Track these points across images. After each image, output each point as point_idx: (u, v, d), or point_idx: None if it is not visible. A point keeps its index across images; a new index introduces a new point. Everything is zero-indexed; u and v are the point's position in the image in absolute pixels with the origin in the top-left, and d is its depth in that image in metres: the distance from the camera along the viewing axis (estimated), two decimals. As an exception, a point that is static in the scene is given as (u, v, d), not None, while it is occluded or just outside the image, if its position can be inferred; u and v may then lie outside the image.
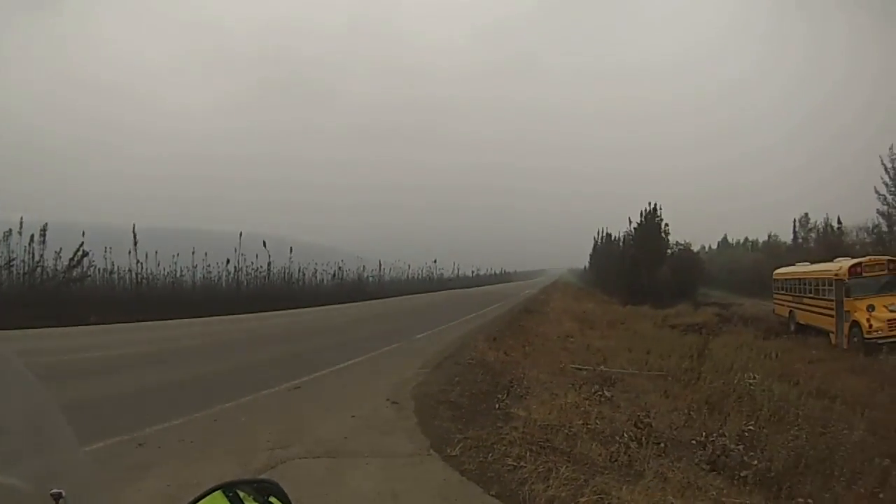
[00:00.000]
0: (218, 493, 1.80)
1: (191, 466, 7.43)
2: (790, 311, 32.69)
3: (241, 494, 1.82)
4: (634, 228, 62.12)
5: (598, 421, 10.18)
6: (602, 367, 16.18)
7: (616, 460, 8.15)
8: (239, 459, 7.85)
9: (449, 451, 8.20)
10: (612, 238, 76.13)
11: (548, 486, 6.68)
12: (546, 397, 11.42)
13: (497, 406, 10.66)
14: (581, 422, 9.80)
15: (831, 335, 27.36)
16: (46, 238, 28.47)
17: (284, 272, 44.21)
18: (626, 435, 9.21)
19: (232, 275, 39.40)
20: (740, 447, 9.52)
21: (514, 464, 7.53)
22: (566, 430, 9.19)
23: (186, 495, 5.46)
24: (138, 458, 7.70)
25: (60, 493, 1.60)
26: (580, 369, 15.81)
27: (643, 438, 9.21)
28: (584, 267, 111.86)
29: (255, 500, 1.84)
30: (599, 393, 12.31)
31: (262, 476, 7.09)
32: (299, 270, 46.54)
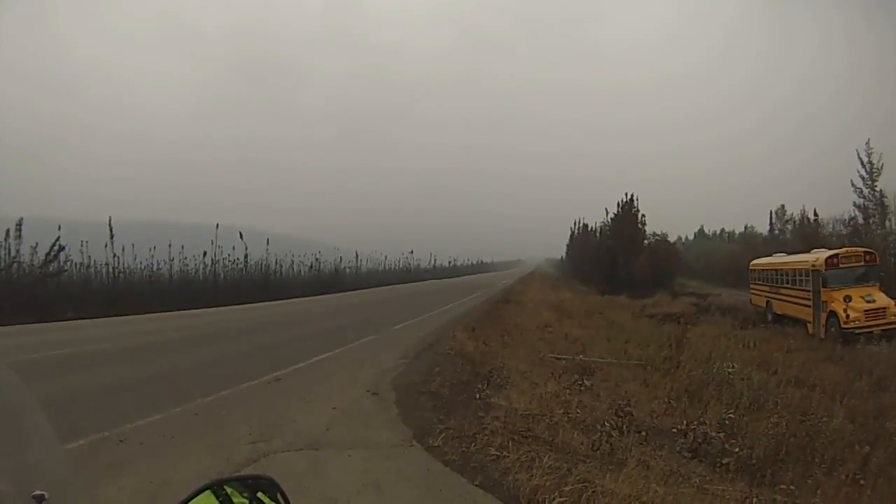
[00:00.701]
0: (208, 493, 1.81)
1: (173, 462, 7.37)
2: (767, 302, 33.12)
3: (229, 491, 1.84)
4: (611, 219, 62.44)
5: (578, 410, 10.21)
6: (581, 356, 16.22)
7: (598, 449, 8.18)
8: (221, 454, 7.79)
9: (431, 441, 8.19)
10: (589, 228, 76.49)
11: (531, 476, 6.69)
12: (526, 387, 11.49)
13: (478, 396, 10.67)
14: (562, 411, 9.82)
15: (808, 325, 27.85)
16: (22, 233, 28.09)
17: (261, 264, 43.95)
18: (607, 424, 9.24)
19: (209, 267, 39.09)
20: (721, 435, 9.63)
21: (497, 453, 7.53)
22: (547, 420, 9.23)
23: (168, 491, 5.40)
24: (119, 454, 7.61)
25: (43, 495, 1.63)
26: (559, 359, 15.89)
27: (624, 427, 9.30)
28: (561, 257, 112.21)
29: (244, 496, 1.87)
30: (579, 382, 12.34)
31: (247, 470, 7.10)
32: (276, 262, 46.21)
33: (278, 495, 1.96)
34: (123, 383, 12.00)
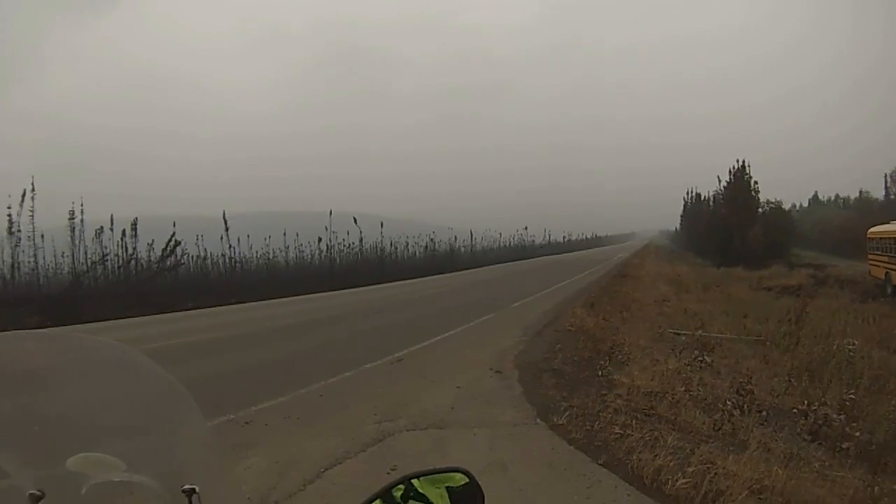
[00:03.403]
0: (399, 487, 1.78)
1: (298, 442, 7.61)
2: (886, 273, 30.94)
3: (418, 484, 1.81)
4: (724, 187, 60.82)
5: (699, 388, 10.13)
6: (700, 331, 16.01)
7: (720, 429, 8.10)
8: (346, 434, 7.96)
9: (555, 419, 8.25)
10: (702, 198, 74.37)
11: (655, 456, 6.66)
12: (647, 363, 11.39)
13: (600, 373, 10.73)
14: (683, 388, 9.77)
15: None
16: (138, 231, 29.49)
17: (376, 247, 44.57)
18: (728, 403, 9.18)
19: (324, 253, 39.98)
20: (841, 417, 9.27)
21: (621, 432, 7.53)
22: (669, 398, 9.17)
23: (294, 471, 5.71)
24: (245, 436, 7.90)
25: (193, 489, 1.64)
26: (679, 334, 15.70)
27: (745, 406, 9.15)
28: (675, 229, 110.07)
29: (437, 489, 1.83)
30: (700, 359, 12.20)
31: (372, 450, 7.36)
32: (391, 245, 46.85)
33: (470, 487, 1.85)
34: (247, 368, 12.45)
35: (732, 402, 9.17)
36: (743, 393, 9.56)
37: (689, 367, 11.46)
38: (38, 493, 1.53)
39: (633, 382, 9.81)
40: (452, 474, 1.87)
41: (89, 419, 1.68)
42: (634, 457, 6.78)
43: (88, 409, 1.69)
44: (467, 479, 1.85)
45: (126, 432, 1.70)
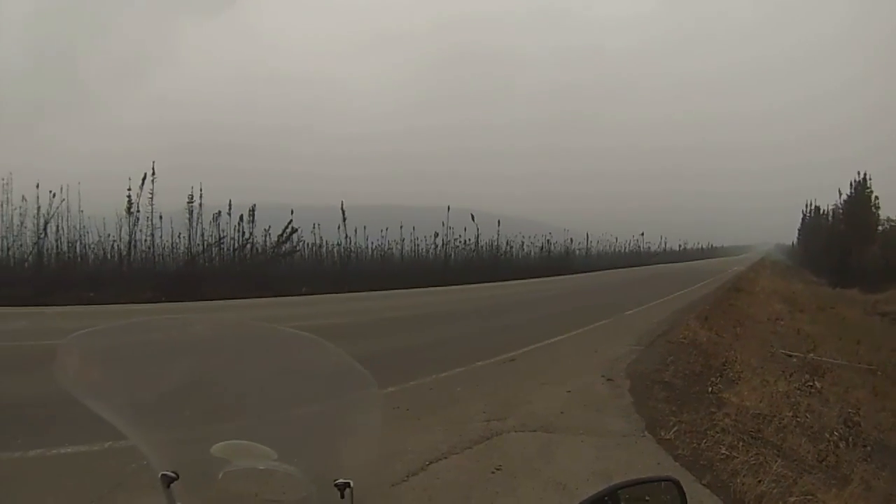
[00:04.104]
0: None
1: (405, 436, 7.62)
2: None
3: (624, 496, 1.81)
4: (843, 201, 58.20)
5: (807, 414, 10.00)
6: (812, 355, 15.70)
7: (823, 460, 8.02)
8: (454, 429, 8.09)
9: (663, 433, 8.20)
10: (821, 211, 71.07)
11: (759, 481, 6.63)
12: (757, 384, 11.28)
13: (710, 390, 10.62)
14: (791, 414, 9.65)
15: None
16: (255, 218, 30.79)
17: (492, 245, 44.83)
18: (835, 433, 9.04)
19: (440, 248, 40.55)
20: None
21: (727, 453, 7.49)
22: (777, 422, 9.06)
23: (398, 463, 6.08)
24: None
25: (347, 483, 1.59)
26: (790, 356, 15.48)
27: (850, 439, 9.02)
28: (792, 243, 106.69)
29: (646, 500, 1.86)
30: (809, 384, 12.01)
31: (479, 448, 7.49)
32: (506, 244, 47.02)
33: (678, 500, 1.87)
34: (358, 357, 12.58)
35: (839, 434, 9.06)
36: (850, 425, 9.46)
37: (798, 392, 11.34)
38: (172, 474, 1.57)
39: (742, 402, 9.76)
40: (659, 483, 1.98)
41: (244, 405, 1.71)
42: (738, 480, 6.74)
43: (244, 397, 1.71)
44: (674, 487, 1.89)
45: (284, 421, 1.66)
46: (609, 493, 1.79)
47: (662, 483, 1.97)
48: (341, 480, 1.60)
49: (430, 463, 6.87)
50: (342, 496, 1.60)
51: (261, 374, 1.70)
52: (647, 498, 1.85)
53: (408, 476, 6.44)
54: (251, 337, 1.78)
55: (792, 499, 6.33)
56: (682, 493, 1.84)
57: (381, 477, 5.08)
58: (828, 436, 8.93)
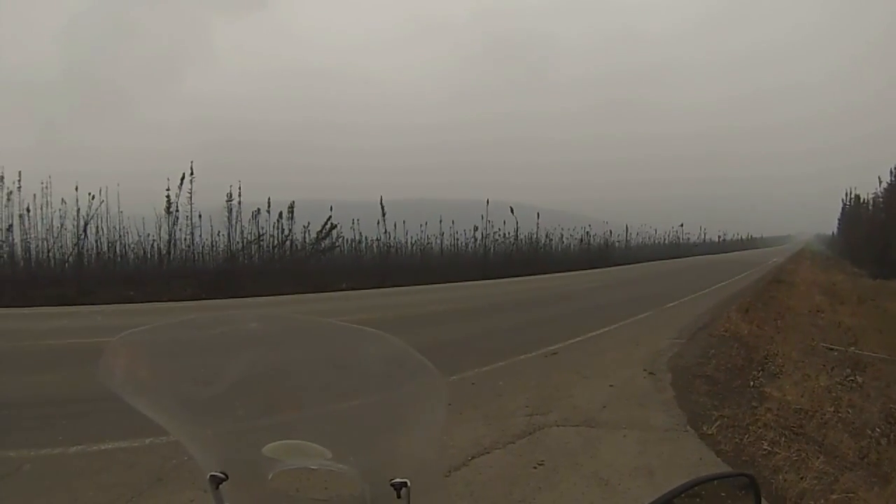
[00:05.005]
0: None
1: (447, 428, 7.16)
2: None
3: (702, 492, 1.78)
4: (883, 189, 56.09)
5: (848, 410, 9.82)
6: (853, 348, 15.44)
7: (865, 457, 7.88)
8: (496, 423, 8.17)
9: (705, 428, 8.23)
10: (861, 200, 68.54)
11: (801, 478, 6.62)
12: (798, 378, 11.22)
13: (752, 384, 10.63)
14: (832, 409, 9.53)
15: None
16: (294, 214, 31.26)
17: (531, 238, 44.96)
18: (877, 430, 8.91)
19: (479, 241, 40.64)
20: None
21: (769, 448, 7.51)
22: (818, 418, 9.01)
23: (440, 458, 5.99)
24: None
25: (405, 483, 1.53)
26: (831, 349, 15.30)
27: (892, 436, 8.78)
28: (832, 233, 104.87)
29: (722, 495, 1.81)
30: (851, 378, 11.88)
31: (521, 442, 7.62)
32: (546, 236, 47.13)
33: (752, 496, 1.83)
34: None
35: (881, 430, 8.93)
36: (891, 421, 9.30)
37: (839, 386, 11.19)
38: (221, 475, 1.53)
39: (784, 397, 9.73)
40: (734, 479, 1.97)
41: (299, 403, 1.62)
42: (780, 476, 6.73)
43: (299, 394, 1.62)
44: (748, 483, 1.86)
45: (340, 419, 1.59)
46: (688, 487, 1.78)
47: (737, 478, 1.99)
48: (398, 480, 1.53)
49: (473, 458, 6.95)
50: (398, 496, 1.53)
51: (316, 369, 1.61)
52: (723, 494, 1.84)
53: (450, 471, 6.50)
54: (304, 331, 1.65)
55: (833, 496, 6.31)
56: (757, 489, 1.84)
57: (441, 476, 5.13)
58: (869, 432, 8.81)
